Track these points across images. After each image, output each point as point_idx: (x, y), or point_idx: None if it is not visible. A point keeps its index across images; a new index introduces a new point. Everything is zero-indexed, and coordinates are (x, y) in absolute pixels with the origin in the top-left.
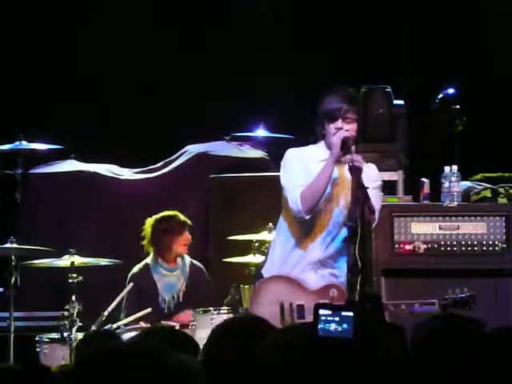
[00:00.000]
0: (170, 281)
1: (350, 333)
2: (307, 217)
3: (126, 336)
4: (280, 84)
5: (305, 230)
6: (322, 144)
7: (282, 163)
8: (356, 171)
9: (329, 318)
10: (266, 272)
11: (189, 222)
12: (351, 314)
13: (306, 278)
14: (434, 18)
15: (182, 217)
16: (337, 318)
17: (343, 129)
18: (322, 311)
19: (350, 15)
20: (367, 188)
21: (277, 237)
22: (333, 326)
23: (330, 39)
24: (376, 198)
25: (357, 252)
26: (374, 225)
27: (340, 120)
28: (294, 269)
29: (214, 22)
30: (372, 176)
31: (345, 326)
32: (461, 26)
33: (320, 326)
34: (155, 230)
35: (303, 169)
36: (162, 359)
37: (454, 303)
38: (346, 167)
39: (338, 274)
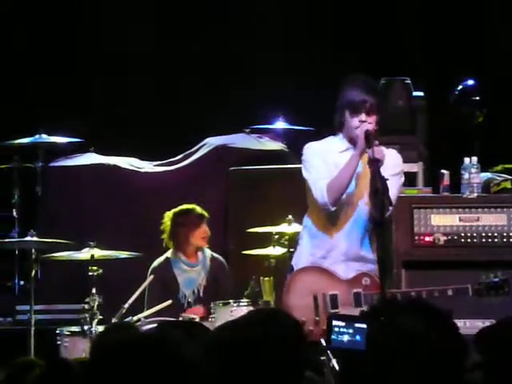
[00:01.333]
0: (191, 276)
1: (362, 345)
2: (333, 208)
3: (147, 328)
4: (299, 76)
5: (331, 223)
6: (340, 135)
7: (302, 158)
8: (377, 164)
9: (342, 330)
10: (296, 265)
11: (206, 214)
12: (364, 326)
13: (337, 270)
14: (455, 9)
15: (199, 209)
16: (350, 330)
17: (367, 122)
18: (335, 322)
19: (367, 9)
20: (387, 179)
21: (303, 231)
22: (346, 338)
23: (350, 32)
24: (394, 185)
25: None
26: (387, 214)
27: (364, 113)
28: (324, 261)
29: (236, 13)
30: (394, 161)
31: (358, 337)
32: (483, 15)
33: (333, 336)
34: (173, 223)
35: (323, 162)
36: (175, 349)
37: (488, 288)
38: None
39: (368, 264)
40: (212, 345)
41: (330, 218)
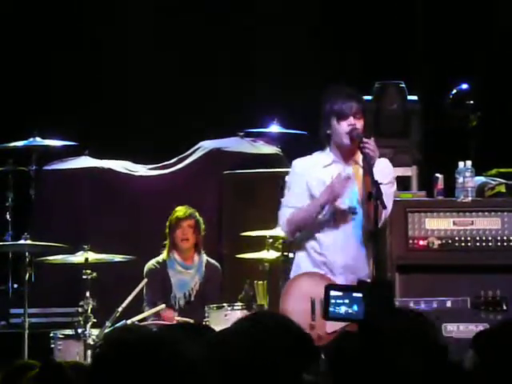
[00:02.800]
0: (185, 278)
1: (360, 314)
2: (291, 238)
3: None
4: (294, 80)
5: (325, 233)
6: (327, 150)
7: (288, 175)
8: (369, 158)
9: (338, 301)
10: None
11: (193, 215)
12: (361, 295)
13: (334, 274)
14: (447, 12)
15: (182, 210)
16: (347, 300)
17: (356, 124)
18: (332, 292)
19: (364, 12)
20: (380, 183)
21: (299, 243)
22: (343, 309)
23: (344, 36)
24: (387, 194)
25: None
26: (382, 222)
27: (351, 117)
28: (321, 266)
29: (233, 21)
30: (385, 170)
31: (355, 307)
32: (475, 19)
33: (330, 308)
34: (167, 224)
35: (302, 183)
36: (174, 347)
37: (486, 303)
38: (361, 166)
39: (365, 274)
40: (215, 347)
41: (325, 228)
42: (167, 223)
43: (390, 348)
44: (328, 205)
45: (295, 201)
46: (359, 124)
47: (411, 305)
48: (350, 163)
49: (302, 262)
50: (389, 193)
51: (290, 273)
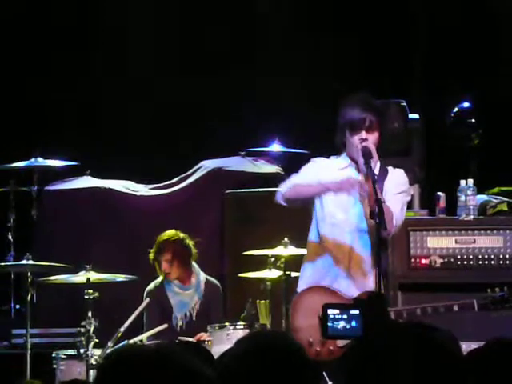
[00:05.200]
0: (183, 299)
1: (359, 330)
2: (281, 202)
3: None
4: (295, 99)
5: (331, 240)
6: (343, 155)
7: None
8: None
9: (337, 317)
10: (300, 286)
11: (159, 249)
12: (358, 311)
13: (339, 287)
14: (448, 30)
15: (165, 236)
16: (345, 316)
17: (367, 139)
18: (330, 311)
19: (364, 28)
20: (383, 202)
21: (307, 251)
22: (341, 324)
23: (344, 52)
24: (398, 203)
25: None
26: (391, 232)
27: (363, 131)
28: (325, 278)
29: (231, 32)
30: (398, 180)
31: (353, 323)
32: (476, 37)
33: (329, 324)
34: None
35: (315, 173)
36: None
37: (494, 302)
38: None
39: (368, 281)
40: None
41: (331, 235)
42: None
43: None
44: (332, 192)
45: (306, 177)
46: (372, 137)
47: (418, 312)
48: (362, 174)
49: (306, 269)
50: (403, 201)
51: (291, 293)
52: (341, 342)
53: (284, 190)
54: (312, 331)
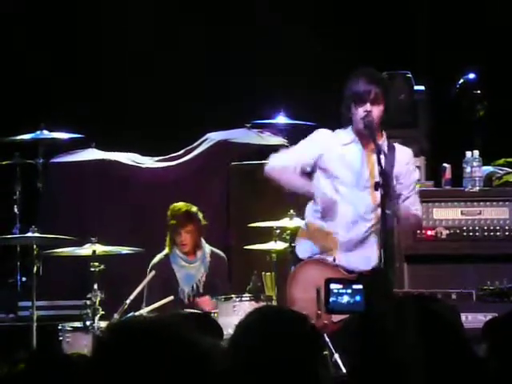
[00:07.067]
0: (190, 272)
1: (362, 305)
2: (265, 174)
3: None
4: (300, 71)
5: (334, 212)
6: (349, 128)
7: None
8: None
9: (341, 291)
10: (300, 253)
11: (182, 221)
12: (361, 286)
13: (340, 261)
14: (453, 2)
15: (176, 215)
16: (349, 291)
17: (372, 111)
18: (333, 285)
19: (371, 3)
20: (388, 176)
21: (306, 217)
22: (345, 299)
23: (350, 26)
24: (417, 196)
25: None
26: (393, 208)
27: (368, 103)
28: (325, 249)
29: (236, 10)
30: (405, 157)
31: (357, 298)
32: (482, 7)
33: (332, 298)
34: (167, 219)
35: (310, 152)
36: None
37: (492, 294)
38: (374, 153)
39: (370, 256)
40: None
41: (334, 207)
42: (167, 221)
43: (390, 337)
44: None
45: (298, 157)
46: (377, 110)
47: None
48: (367, 148)
49: (305, 237)
50: (416, 189)
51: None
52: (335, 317)
53: (269, 168)
54: (308, 304)
